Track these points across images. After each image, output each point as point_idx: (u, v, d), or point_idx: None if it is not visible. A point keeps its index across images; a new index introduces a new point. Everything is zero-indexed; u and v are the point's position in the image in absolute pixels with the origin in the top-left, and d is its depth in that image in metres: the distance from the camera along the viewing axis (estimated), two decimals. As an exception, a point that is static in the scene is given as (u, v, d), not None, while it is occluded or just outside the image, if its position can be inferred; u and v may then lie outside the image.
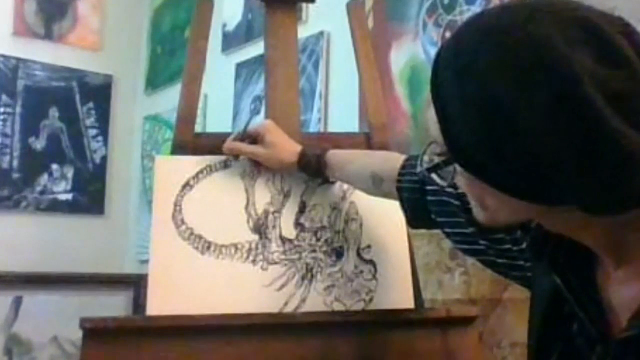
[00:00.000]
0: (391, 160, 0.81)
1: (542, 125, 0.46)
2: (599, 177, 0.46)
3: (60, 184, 2.24)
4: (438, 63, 0.53)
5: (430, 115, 0.54)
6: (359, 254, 0.92)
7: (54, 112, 2.26)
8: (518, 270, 0.67)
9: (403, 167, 0.78)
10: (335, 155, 0.88)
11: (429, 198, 0.75)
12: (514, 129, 0.47)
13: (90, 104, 2.32)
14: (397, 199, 0.80)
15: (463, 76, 0.49)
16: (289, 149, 0.90)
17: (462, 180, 0.55)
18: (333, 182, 0.93)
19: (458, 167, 0.54)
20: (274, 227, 0.90)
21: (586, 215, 0.49)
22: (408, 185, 0.77)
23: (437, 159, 0.56)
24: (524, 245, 0.65)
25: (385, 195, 0.83)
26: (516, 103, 0.47)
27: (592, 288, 0.55)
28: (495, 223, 0.57)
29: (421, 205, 0.76)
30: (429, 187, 0.75)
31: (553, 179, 0.48)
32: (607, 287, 0.54)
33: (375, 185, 0.82)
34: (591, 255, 0.56)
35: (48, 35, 2.27)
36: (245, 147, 0.91)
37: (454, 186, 0.68)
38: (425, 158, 0.58)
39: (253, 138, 0.91)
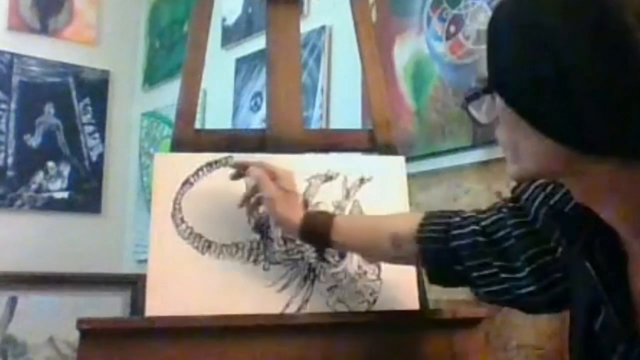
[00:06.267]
0: (410, 218, 0.78)
1: (583, 53, 0.47)
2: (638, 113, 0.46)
3: (56, 182, 2.21)
4: None
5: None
6: (363, 254, 0.90)
7: (49, 109, 2.23)
8: (553, 288, 0.65)
9: (425, 218, 0.76)
10: (345, 220, 0.84)
11: (455, 243, 0.72)
12: (555, 55, 0.48)
13: (87, 100, 2.30)
14: (414, 263, 0.77)
15: (520, 3, 0.52)
16: (295, 204, 0.83)
17: (500, 122, 0.55)
18: (334, 180, 0.91)
19: (498, 104, 0.54)
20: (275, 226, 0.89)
21: (618, 171, 0.49)
22: (430, 234, 0.74)
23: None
24: (558, 254, 0.63)
25: (402, 259, 0.79)
26: (559, 30, 0.48)
27: (622, 279, 0.54)
28: (525, 175, 0.56)
29: (444, 255, 0.73)
30: (454, 232, 0.72)
31: (590, 113, 0.47)
32: (637, 282, 0.54)
33: (394, 247, 0.78)
34: (623, 251, 0.55)
35: (44, 30, 2.25)
36: (271, 184, 0.82)
37: (479, 222, 0.69)
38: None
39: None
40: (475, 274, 0.71)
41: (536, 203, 0.65)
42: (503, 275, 0.68)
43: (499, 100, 0.54)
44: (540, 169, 0.55)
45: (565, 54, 0.48)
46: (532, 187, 0.66)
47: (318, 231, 0.81)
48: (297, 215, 0.82)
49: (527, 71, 0.50)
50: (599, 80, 0.47)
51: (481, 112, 0.57)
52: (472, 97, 0.56)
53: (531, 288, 0.65)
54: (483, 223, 0.70)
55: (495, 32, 0.53)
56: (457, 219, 0.74)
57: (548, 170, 0.55)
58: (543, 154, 0.52)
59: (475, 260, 0.70)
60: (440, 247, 0.74)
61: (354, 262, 0.89)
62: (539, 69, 0.49)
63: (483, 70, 0.55)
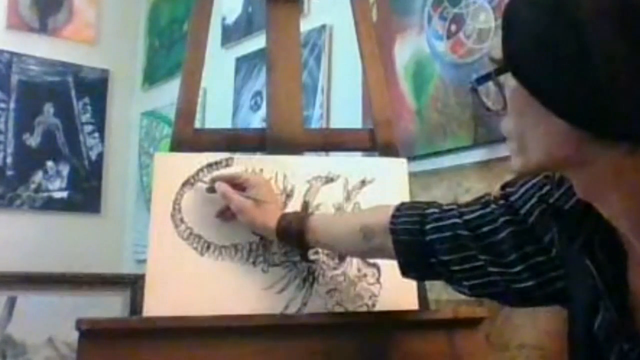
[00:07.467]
0: (382, 210, 0.76)
1: (607, 33, 0.46)
2: None
3: (55, 181, 2.21)
4: None
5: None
6: (363, 256, 0.89)
7: (48, 108, 2.23)
8: (549, 286, 0.64)
9: (397, 209, 0.74)
10: (319, 217, 0.83)
11: (431, 237, 0.70)
12: (578, 34, 0.47)
13: (86, 100, 2.29)
14: (389, 256, 0.75)
15: None
16: (269, 209, 0.84)
17: (509, 109, 0.54)
18: (335, 182, 0.91)
19: (509, 87, 0.52)
20: (276, 227, 0.88)
21: (624, 160, 0.48)
22: (404, 226, 0.72)
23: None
24: (553, 254, 0.63)
25: (376, 251, 0.77)
26: (583, 9, 0.47)
27: (622, 278, 0.54)
28: (530, 168, 0.55)
29: (418, 248, 0.71)
30: (430, 226, 0.71)
31: (608, 94, 0.47)
32: (637, 280, 0.54)
33: (366, 239, 0.76)
34: (623, 249, 0.54)
35: (43, 29, 2.24)
36: (237, 197, 0.84)
37: (461, 215, 0.67)
38: None
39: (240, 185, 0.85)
40: (455, 268, 0.69)
41: (529, 204, 0.64)
42: (492, 269, 0.67)
43: (511, 83, 0.53)
44: (547, 157, 0.53)
45: (588, 32, 0.47)
46: (524, 188, 0.65)
47: (293, 232, 0.82)
48: (272, 220, 0.83)
49: (548, 50, 0.48)
50: (621, 60, 0.46)
51: (489, 98, 0.55)
52: (484, 78, 0.55)
53: (529, 283, 0.65)
54: (466, 217, 0.68)
55: (515, 11, 0.52)
56: (434, 210, 0.72)
57: (555, 158, 0.53)
58: (553, 139, 0.51)
59: (456, 254, 0.69)
60: (413, 239, 0.71)
61: (353, 265, 0.89)
62: (561, 48, 0.48)
63: (495, 51, 0.54)
